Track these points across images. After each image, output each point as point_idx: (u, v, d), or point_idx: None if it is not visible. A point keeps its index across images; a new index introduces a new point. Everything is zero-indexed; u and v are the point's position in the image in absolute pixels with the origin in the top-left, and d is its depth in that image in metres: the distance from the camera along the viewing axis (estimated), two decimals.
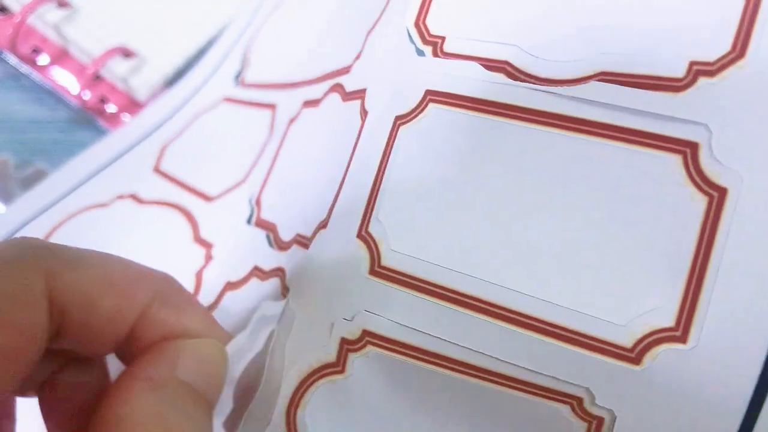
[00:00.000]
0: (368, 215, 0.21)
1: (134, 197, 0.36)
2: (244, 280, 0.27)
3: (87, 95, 0.43)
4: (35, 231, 0.34)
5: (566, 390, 0.18)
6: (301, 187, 0.26)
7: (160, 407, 0.17)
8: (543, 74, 0.20)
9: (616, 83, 0.19)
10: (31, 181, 0.41)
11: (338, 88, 0.26)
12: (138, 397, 0.17)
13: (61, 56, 0.44)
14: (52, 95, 0.44)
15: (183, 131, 0.39)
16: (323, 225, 0.22)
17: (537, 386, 0.18)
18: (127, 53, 0.43)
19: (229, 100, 0.38)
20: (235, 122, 0.36)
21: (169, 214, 0.34)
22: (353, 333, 0.20)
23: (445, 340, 0.19)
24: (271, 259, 0.26)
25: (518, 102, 0.20)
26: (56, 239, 0.34)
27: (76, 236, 0.34)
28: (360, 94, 0.24)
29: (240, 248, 0.29)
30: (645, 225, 0.18)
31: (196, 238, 0.31)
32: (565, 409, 0.18)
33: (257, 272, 0.26)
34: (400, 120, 0.21)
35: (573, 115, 0.19)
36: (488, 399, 0.19)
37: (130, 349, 0.20)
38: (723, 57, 0.18)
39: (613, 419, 0.18)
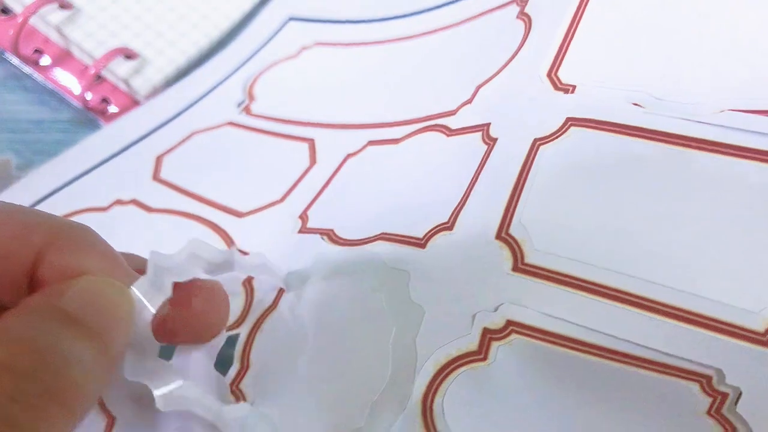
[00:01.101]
0: (509, 218, 0.23)
1: (138, 204, 0.36)
2: None
3: (89, 96, 0.43)
4: None
5: (698, 370, 0.21)
6: (378, 201, 0.29)
7: (25, 328, 0.17)
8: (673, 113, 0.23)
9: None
10: None
11: (438, 127, 0.30)
12: (5, 319, 0.17)
13: (63, 57, 0.44)
14: (55, 96, 0.43)
15: (180, 144, 0.40)
16: (446, 227, 0.24)
17: (672, 367, 0.21)
18: (128, 54, 0.43)
19: (234, 125, 0.40)
20: (252, 148, 0.38)
21: (190, 225, 0.34)
22: (496, 323, 0.22)
23: (586, 327, 0.21)
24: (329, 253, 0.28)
25: (657, 126, 0.23)
26: None
27: None
28: (479, 127, 0.27)
29: (294, 254, 0.30)
30: None
31: None
32: (695, 387, 0.21)
33: None
34: (540, 141, 0.24)
35: (712, 139, 0.22)
36: (625, 379, 0.21)
37: None
38: None
39: (738, 395, 0.20)
